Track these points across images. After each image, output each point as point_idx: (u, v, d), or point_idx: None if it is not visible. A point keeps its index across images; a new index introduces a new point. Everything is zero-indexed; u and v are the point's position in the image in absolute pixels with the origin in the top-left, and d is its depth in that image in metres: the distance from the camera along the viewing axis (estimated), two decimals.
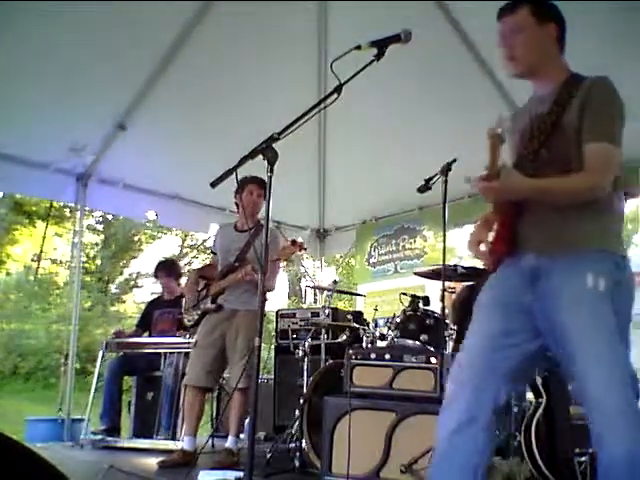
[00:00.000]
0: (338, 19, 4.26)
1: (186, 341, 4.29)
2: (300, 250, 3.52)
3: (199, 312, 3.86)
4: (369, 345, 3.57)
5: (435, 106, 4.45)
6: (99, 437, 4.34)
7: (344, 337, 3.89)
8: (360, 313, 4.75)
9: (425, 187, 3.24)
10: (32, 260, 16.30)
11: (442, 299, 3.15)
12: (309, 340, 3.90)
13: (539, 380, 3.18)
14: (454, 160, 3.07)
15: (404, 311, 3.50)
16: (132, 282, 16.43)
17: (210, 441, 4.12)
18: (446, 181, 3.08)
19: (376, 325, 4.06)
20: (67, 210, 14.98)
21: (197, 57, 4.25)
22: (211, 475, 3.07)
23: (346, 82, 1.92)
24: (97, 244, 16.38)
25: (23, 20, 3.72)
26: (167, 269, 5.22)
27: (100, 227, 16.22)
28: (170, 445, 4.05)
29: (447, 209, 3.14)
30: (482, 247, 1.82)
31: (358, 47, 1.91)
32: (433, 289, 4.45)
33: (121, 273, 16.81)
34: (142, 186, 5.54)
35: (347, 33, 3.85)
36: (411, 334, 3.34)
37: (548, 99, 1.85)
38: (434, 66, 4.13)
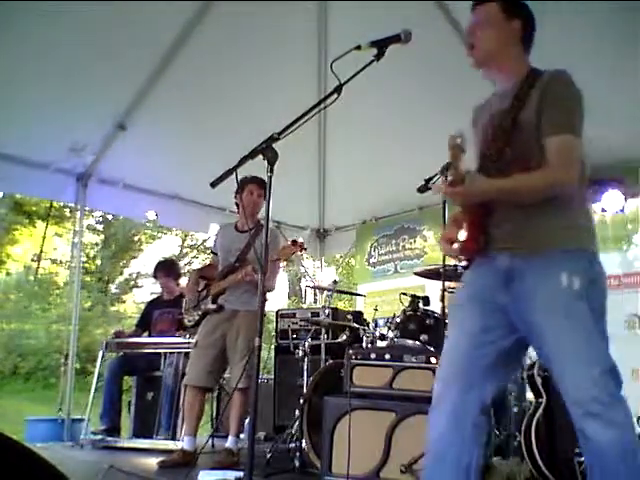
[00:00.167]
0: (338, 19, 4.26)
1: (186, 341, 4.29)
2: (300, 250, 3.52)
3: (200, 312, 3.87)
4: (369, 345, 3.57)
5: (435, 106, 4.44)
6: (99, 437, 4.34)
7: (344, 337, 3.89)
8: (360, 313, 4.75)
9: (425, 187, 3.24)
10: (32, 260, 16.29)
11: (442, 299, 3.15)
12: (309, 340, 3.90)
13: (539, 380, 3.18)
14: None
15: (404, 311, 3.50)
16: (132, 282, 16.43)
17: (210, 441, 4.12)
18: (446, 181, 3.08)
19: (376, 325, 4.06)
20: (67, 210, 14.98)
21: (197, 57, 4.25)
22: (211, 475, 3.06)
23: (346, 82, 1.92)
24: (97, 244, 16.39)
25: (23, 20, 3.72)
26: (166, 269, 5.22)
27: (100, 227, 16.23)
28: (170, 445, 4.05)
29: (447, 209, 3.14)
30: (454, 246, 1.83)
31: (358, 47, 1.91)
32: (433, 289, 4.45)
33: (121, 273, 16.81)
34: (142, 186, 5.54)
35: (347, 33, 3.85)
36: (411, 334, 3.34)
37: (509, 95, 1.86)
38: (434, 66, 4.13)
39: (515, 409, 3.18)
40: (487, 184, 1.76)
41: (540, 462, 2.99)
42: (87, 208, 6.16)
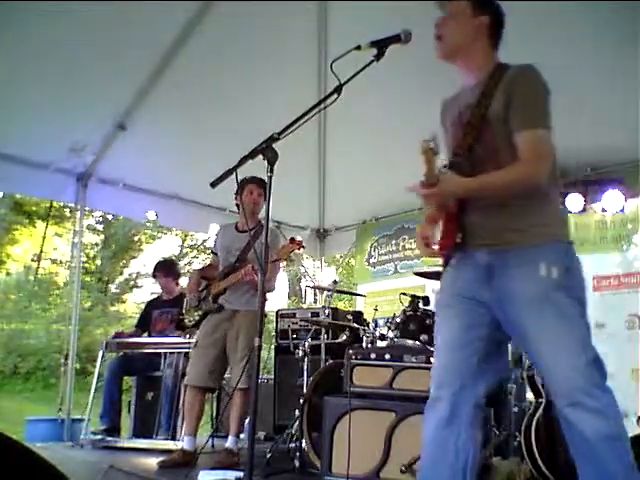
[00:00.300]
0: (338, 19, 4.26)
1: (186, 341, 4.29)
2: (299, 248, 3.52)
3: (200, 312, 3.87)
4: (369, 345, 3.57)
5: (435, 106, 4.43)
6: (99, 437, 4.34)
7: (344, 337, 3.89)
8: (360, 313, 4.75)
9: None
10: (32, 260, 16.29)
11: None
12: (309, 340, 3.90)
13: (539, 380, 3.18)
14: None
15: (404, 311, 3.51)
16: (132, 282, 16.43)
17: (210, 441, 4.12)
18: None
19: (376, 325, 4.06)
20: (67, 210, 14.97)
21: (197, 57, 4.25)
22: (211, 475, 3.07)
23: (346, 82, 1.92)
24: (97, 244, 16.38)
25: (23, 20, 3.72)
26: (165, 269, 5.22)
27: (100, 227, 16.23)
28: (170, 445, 4.05)
29: None
30: (435, 246, 1.84)
31: (358, 47, 1.91)
32: (433, 289, 4.45)
33: (121, 273, 16.81)
34: (142, 186, 5.54)
35: (347, 33, 3.85)
36: (411, 334, 3.34)
37: (476, 89, 1.87)
38: (434, 66, 4.11)
39: (515, 409, 3.18)
40: (462, 183, 1.78)
41: (540, 462, 2.99)
42: (87, 208, 6.15)
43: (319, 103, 1.98)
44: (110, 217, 15.49)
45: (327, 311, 4.24)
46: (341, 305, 11.42)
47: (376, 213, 6.48)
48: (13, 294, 14.46)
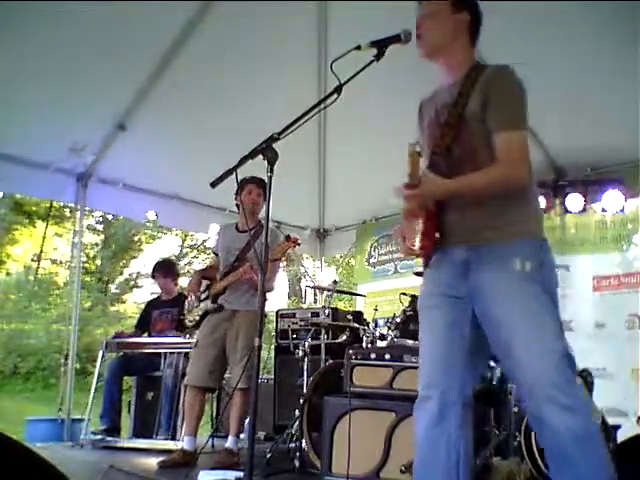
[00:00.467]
0: (338, 19, 4.26)
1: (186, 341, 4.29)
2: (295, 245, 3.54)
3: (200, 313, 3.88)
4: (369, 345, 3.57)
5: None
6: (99, 437, 4.34)
7: (344, 337, 3.89)
8: (360, 313, 4.75)
9: None
10: (32, 260, 16.29)
11: None
12: (309, 340, 3.90)
13: None
14: None
15: (404, 311, 3.50)
16: (132, 282, 16.43)
17: (210, 441, 4.12)
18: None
19: (376, 325, 4.06)
20: (67, 210, 14.97)
21: (197, 57, 4.25)
22: (211, 475, 3.07)
23: (346, 82, 1.92)
24: (97, 244, 16.38)
25: (23, 20, 3.72)
26: (164, 269, 5.22)
27: (100, 227, 16.23)
28: (170, 445, 4.05)
29: None
30: (414, 247, 1.85)
31: (358, 47, 1.91)
32: None
33: (121, 273, 16.80)
34: (142, 186, 5.54)
35: (347, 33, 3.85)
36: (411, 334, 3.34)
37: (453, 90, 1.88)
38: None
39: (515, 409, 3.18)
40: (442, 185, 1.80)
41: (540, 462, 2.98)
42: (87, 208, 6.15)
43: (319, 103, 1.98)
44: (110, 217, 15.48)
45: (327, 311, 4.24)
46: (341, 305, 11.41)
47: (376, 213, 6.47)
48: (13, 294, 14.46)
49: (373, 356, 3.05)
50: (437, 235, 1.84)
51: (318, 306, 5.88)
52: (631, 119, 3.83)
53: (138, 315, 5.52)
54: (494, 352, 1.80)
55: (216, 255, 4.03)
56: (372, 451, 2.84)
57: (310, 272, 7.82)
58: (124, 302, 16.27)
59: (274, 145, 1.91)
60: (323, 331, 3.93)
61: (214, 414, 4.86)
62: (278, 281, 3.94)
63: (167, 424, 4.32)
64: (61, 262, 15.30)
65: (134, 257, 16.98)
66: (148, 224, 6.89)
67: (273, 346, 4.97)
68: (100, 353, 4.75)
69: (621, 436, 2.96)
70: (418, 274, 3.97)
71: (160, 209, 5.59)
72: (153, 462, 3.60)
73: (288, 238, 3.49)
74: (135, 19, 3.87)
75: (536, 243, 1.79)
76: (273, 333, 5.04)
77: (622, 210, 4.69)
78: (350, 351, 3.11)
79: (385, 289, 6.31)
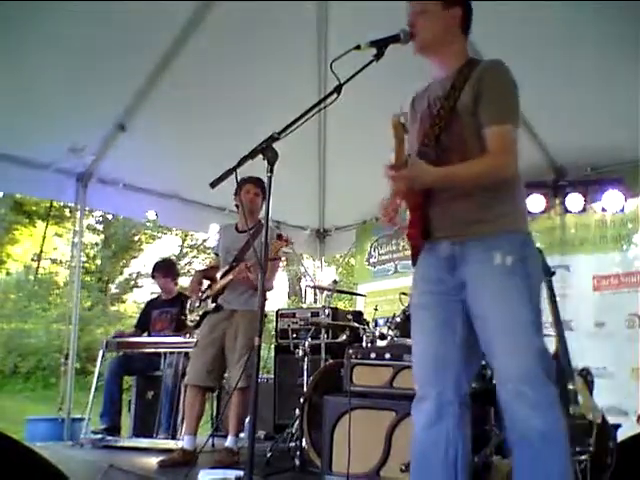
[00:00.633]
0: (338, 19, 4.26)
1: (186, 341, 4.30)
2: (287, 244, 3.55)
3: (201, 313, 3.88)
4: (369, 345, 3.57)
5: None
6: (99, 436, 4.34)
7: (344, 337, 3.89)
8: (360, 313, 4.75)
9: None
10: (32, 260, 16.29)
11: None
12: (309, 340, 3.90)
13: None
14: None
15: (404, 311, 3.51)
16: (132, 282, 16.44)
17: (210, 440, 4.12)
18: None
19: (376, 325, 4.06)
20: (67, 210, 14.97)
21: (197, 57, 4.25)
22: (211, 474, 3.06)
23: (346, 82, 1.92)
24: (97, 244, 16.38)
25: (23, 20, 3.72)
26: (164, 269, 5.23)
27: (100, 227, 16.22)
28: (170, 444, 4.05)
29: None
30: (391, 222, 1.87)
31: (357, 47, 1.91)
32: None
33: (121, 273, 16.81)
34: (142, 186, 5.54)
35: (347, 33, 3.85)
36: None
37: (446, 83, 1.89)
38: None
39: None
40: (432, 171, 1.79)
41: None
42: (87, 208, 6.15)
43: (319, 103, 1.98)
44: (110, 217, 15.48)
45: (327, 311, 4.25)
46: (341, 305, 11.41)
47: (376, 213, 6.37)
48: (13, 294, 14.46)
49: (373, 355, 3.05)
50: (424, 227, 1.85)
51: (318, 306, 5.88)
52: (631, 119, 3.83)
53: (138, 315, 5.53)
54: (481, 346, 1.81)
55: (217, 255, 4.05)
56: (372, 450, 2.84)
57: (310, 272, 7.82)
58: (124, 302, 16.28)
59: (274, 145, 1.91)
60: (323, 331, 3.93)
61: (214, 413, 4.87)
62: (277, 280, 3.95)
63: (167, 423, 4.32)
64: (61, 262, 15.31)
65: (134, 257, 16.99)
66: (148, 224, 6.89)
67: (273, 346, 4.97)
68: (100, 353, 4.76)
69: (621, 435, 2.96)
70: None
71: (160, 209, 5.58)
72: (153, 461, 3.61)
73: (280, 237, 3.50)
74: (135, 19, 3.87)
75: (519, 237, 1.79)
76: (273, 333, 5.04)
77: (622, 210, 4.69)
78: (350, 350, 3.11)
79: (385, 289, 6.30)
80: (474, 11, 2.00)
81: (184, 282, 7.22)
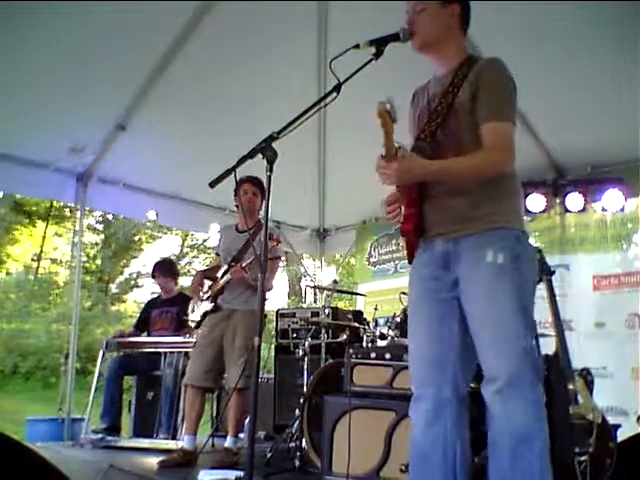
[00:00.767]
0: (338, 19, 4.25)
1: (186, 341, 4.30)
2: (277, 244, 3.59)
3: (201, 313, 3.89)
4: (369, 344, 3.57)
5: None
6: (99, 436, 4.34)
7: (344, 336, 3.89)
8: (360, 312, 4.75)
9: None
10: (32, 260, 16.28)
11: None
12: (309, 339, 3.90)
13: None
14: None
15: (404, 311, 3.50)
16: (132, 282, 16.42)
17: (210, 440, 4.12)
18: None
19: (376, 324, 4.06)
20: (67, 210, 14.97)
21: (197, 57, 4.24)
22: (211, 474, 3.07)
23: (345, 81, 1.92)
24: (97, 244, 16.37)
25: (23, 20, 3.72)
26: (164, 269, 5.23)
27: (100, 227, 16.22)
28: (170, 445, 4.05)
29: None
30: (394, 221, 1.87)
31: (357, 46, 1.91)
32: None
33: (121, 273, 16.80)
34: (142, 186, 5.54)
35: (347, 33, 3.84)
36: None
37: (445, 80, 1.89)
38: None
39: None
40: (427, 164, 1.78)
41: None
42: (87, 208, 6.15)
43: (318, 102, 1.98)
44: (110, 217, 15.48)
45: (327, 310, 4.25)
46: (341, 305, 11.41)
47: (376, 213, 6.46)
48: (13, 294, 14.46)
49: (373, 355, 3.05)
50: (419, 224, 1.84)
51: (318, 305, 5.88)
52: (631, 119, 3.83)
53: (138, 315, 5.53)
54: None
55: (217, 255, 4.05)
56: (372, 450, 2.84)
57: (310, 272, 7.82)
58: (124, 302, 16.27)
59: (273, 144, 1.91)
60: (323, 330, 3.94)
61: (214, 414, 4.87)
62: (276, 280, 3.95)
63: (167, 423, 4.32)
64: (61, 262, 15.31)
65: (134, 257, 16.98)
66: (148, 224, 6.89)
67: (273, 346, 4.97)
68: (100, 353, 4.76)
69: (621, 435, 2.96)
70: None
71: (160, 209, 5.58)
72: (153, 461, 3.61)
73: (270, 236, 3.50)
74: (135, 19, 3.87)
75: (512, 234, 1.78)
76: (273, 332, 5.04)
77: (622, 210, 4.69)
78: (350, 350, 3.11)
79: (385, 288, 6.30)
80: (473, 9, 2.00)
81: (184, 282, 7.21)
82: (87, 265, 15.02)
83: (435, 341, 1.81)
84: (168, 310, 4.96)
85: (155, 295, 5.64)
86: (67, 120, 4.55)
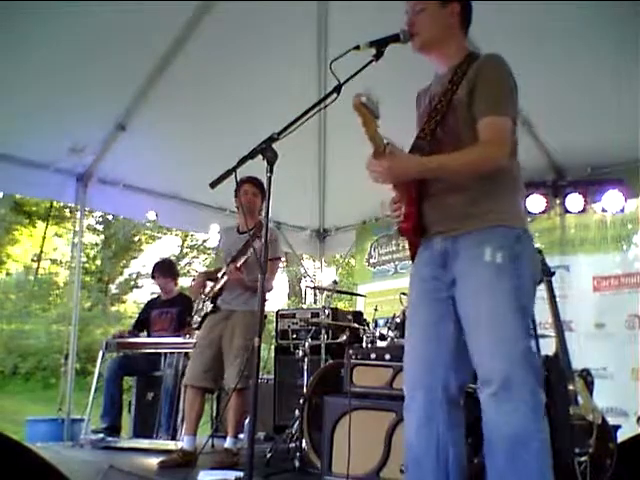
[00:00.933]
0: (338, 19, 4.25)
1: (186, 341, 4.30)
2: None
3: (202, 314, 3.89)
4: (369, 345, 3.57)
5: None
6: (99, 437, 4.34)
7: (344, 337, 3.89)
8: (360, 313, 4.75)
9: None
10: (32, 260, 16.28)
11: None
12: (309, 340, 3.90)
13: None
14: None
15: (404, 311, 3.50)
16: (132, 282, 16.42)
17: (210, 441, 4.12)
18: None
19: (376, 325, 4.06)
20: (67, 210, 14.97)
21: (197, 57, 4.25)
22: (211, 475, 3.07)
23: (345, 82, 1.92)
24: (97, 244, 16.37)
25: (23, 20, 3.72)
26: (164, 270, 5.22)
27: (100, 227, 16.21)
28: (170, 445, 4.05)
29: None
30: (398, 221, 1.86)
31: (357, 47, 1.91)
32: None
33: (121, 273, 16.80)
34: (142, 186, 5.54)
35: (347, 33, 3.85)
36: None
37: (445, 79, 1.89)
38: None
39: None
40: (418, 161, 1.78)
41: None
42: (87, 208, 6.15)
43: (318, 103, 1.98)
44: (110, 217, 15.47)
45: (327, 311, 4.24)
46: (341, 305, 11.41)
47: (376, 213, 6.46)
48: (13, 294, 14.46)
49: (373, 356, 3.05)
50: (418, 223, 1.84)
51: (318, 306, 5.88)
52: (631, 119, 3.83)
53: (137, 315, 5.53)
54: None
55: (218, 256, 4.05)
56: (372, 451, 2.84)
57: (310, 272, 7.82)
58: (124, 302, 16.27)
59: (274, 145, 1.91)
60: (323, 331, 3.93)
61: (214, 414, 4.87)
62: (276, 281, 3.95)
63: (167, 424, 4.32)
64: (61, 262, 15.30)
65: (134, 257, 16.98)
66: (148, 224, 6.87)
67: (273, 346, 4.97)
68: (100, 353, 4.75)
69: (621, 436, 2.96)
70: None
71: (160, 209, 5.58)
72: (153, 462, 3.61)
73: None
74: (135, 19, 3.87)
75: (512, 233, 1.75)
76: (273, 333, 5.04)
77: (622, 210, 4.69)
78: (350, 351, 3.11)
79: (385, 289, 6.30)
80: (474, 10, 2.00)
81: (184, 282, 7.20)
82: (87, 266, 15.02)
83: (432, 340, 1.79)
84: (168, 311, 4.96)
85: (155, 296, 5.64)
86: (67, 120, 4.55)
